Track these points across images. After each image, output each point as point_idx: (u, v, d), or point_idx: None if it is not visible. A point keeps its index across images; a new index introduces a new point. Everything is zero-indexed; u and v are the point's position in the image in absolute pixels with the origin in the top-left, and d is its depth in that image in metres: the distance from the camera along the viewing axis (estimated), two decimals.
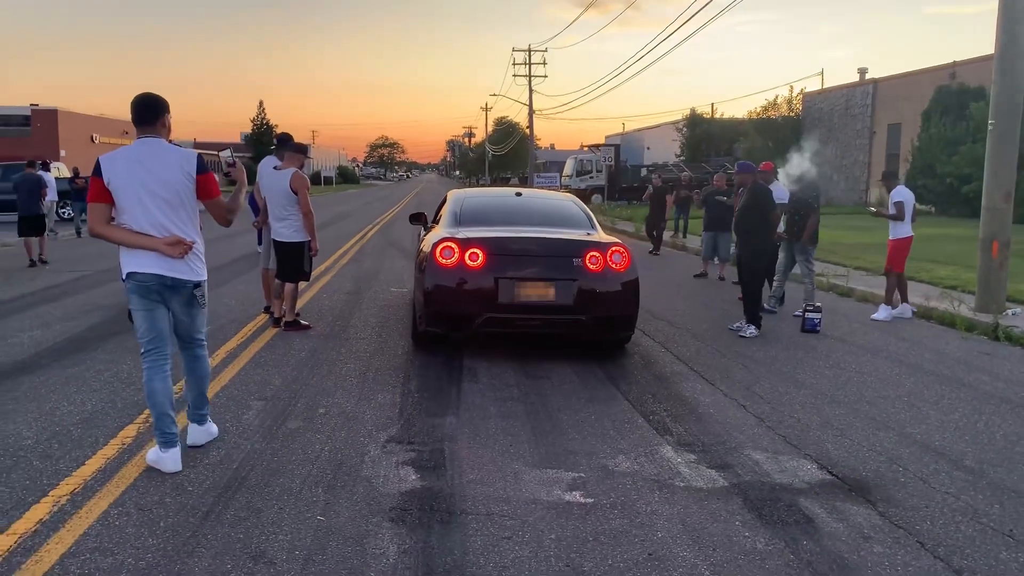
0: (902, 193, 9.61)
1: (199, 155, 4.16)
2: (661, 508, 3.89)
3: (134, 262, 4.16)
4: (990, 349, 7.99)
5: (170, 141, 4.22)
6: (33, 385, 5.84)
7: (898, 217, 9.45)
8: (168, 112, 4.19)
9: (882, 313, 9.55)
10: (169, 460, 4.19)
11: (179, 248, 4.12)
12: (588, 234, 7.30)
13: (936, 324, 9.31)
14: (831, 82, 39.44)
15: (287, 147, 7.82)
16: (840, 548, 3.53)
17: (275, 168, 7.70)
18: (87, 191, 4.22)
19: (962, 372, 6.95)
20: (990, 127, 9.83)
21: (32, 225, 13.48)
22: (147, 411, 5.09)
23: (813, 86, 43.53)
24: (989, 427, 5.38)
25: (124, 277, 4.21)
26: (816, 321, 8.61)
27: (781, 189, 9.96)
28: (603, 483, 4.19)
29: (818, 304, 8.98)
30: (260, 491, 3.97)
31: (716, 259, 13.09)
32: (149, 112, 4.13)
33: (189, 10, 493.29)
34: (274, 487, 4.03)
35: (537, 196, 8.92)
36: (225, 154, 4.71)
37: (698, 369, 6.78)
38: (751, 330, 8.28)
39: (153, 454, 4.26)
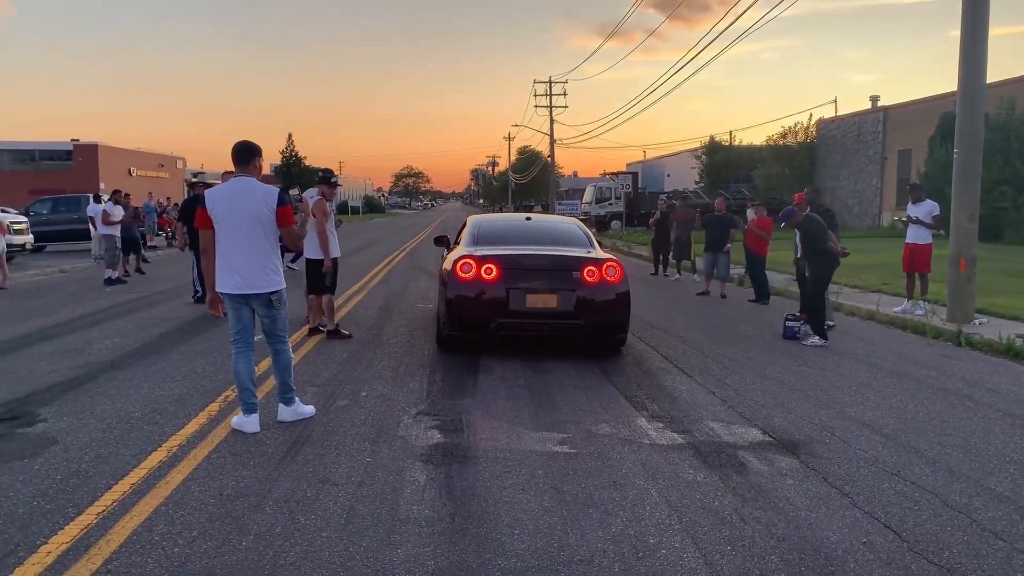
0: (937, 206, 11.47)
1: (280, 191, 5.42)
2: (628, 456, 5.04)
3: (220, 283, 5.42)
4: (950, 353, 9.00)
5: (259, 179, 5.49)
6: (128, 377, 7.13)
7: (936, 227, 11.25)
8: (260, 156, 5.46)
9: (921, 308, 11.34)
10: (250, 423, 5.42)
11: (215, 310, 5.54)
12: (588, 251, 8.50)
13: (910, 333, 10.34)
14: (852, 108, 40.46)
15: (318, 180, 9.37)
16: (760, 481, 4.65)
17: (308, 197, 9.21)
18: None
19: (914, 369, 8.00)
20: (955, 156, 10.93)
21: (128, 245, 16.65)
22: (226, 393, 6.39)
23: (828, 113, 44.51)
24: (918, 408, 6.45)
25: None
26: (796, 329, 9.69)
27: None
28: (585, 441, 5.35)
29: (797, 314, 10.06)
30: (321, 444, 5.19)
31: (716, 278, 14.22)
32: (245, 155, 5.40)
33: (218, 47, 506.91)
34: (331, 442, 5.24)
35: (544, 219, 10.17)
36: (293, 192, 6.03)
37: (681, 366, 7.91)
38: (815, 339, 9.30)
39: (237, 419, 5.49)
